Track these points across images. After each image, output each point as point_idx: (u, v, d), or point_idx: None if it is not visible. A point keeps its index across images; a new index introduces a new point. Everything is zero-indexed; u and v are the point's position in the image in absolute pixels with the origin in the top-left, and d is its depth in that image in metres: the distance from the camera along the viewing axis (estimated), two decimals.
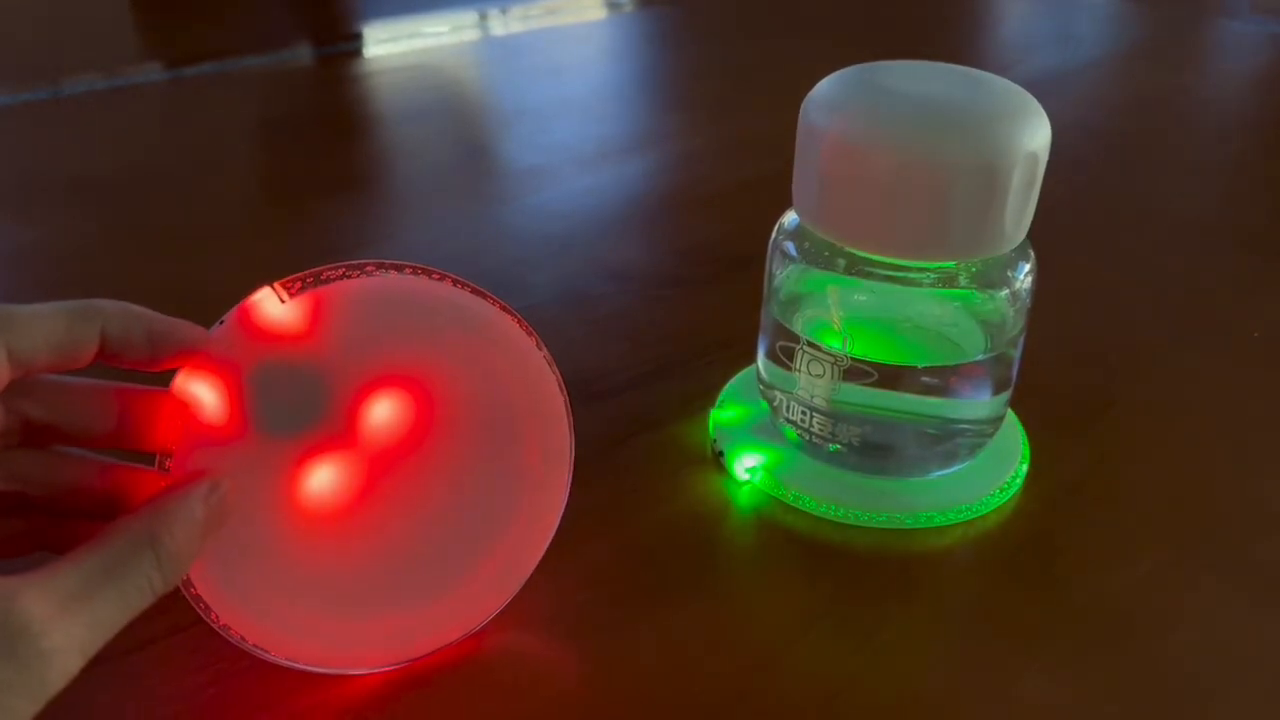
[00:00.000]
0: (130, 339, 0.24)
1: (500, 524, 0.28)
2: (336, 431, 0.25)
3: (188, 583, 0.24)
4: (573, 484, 0.33)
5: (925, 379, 0.32)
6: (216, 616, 0.25)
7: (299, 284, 0.25)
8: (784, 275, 0.34)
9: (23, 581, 0.20)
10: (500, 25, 0.89)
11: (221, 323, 0.25)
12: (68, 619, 0.20)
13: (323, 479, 0.25)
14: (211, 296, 0.46)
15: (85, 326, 0.24)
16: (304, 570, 0.26)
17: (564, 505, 0.29)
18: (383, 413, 0.26)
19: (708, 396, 0.39)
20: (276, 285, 0.25)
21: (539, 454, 0.28)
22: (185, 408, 0.24)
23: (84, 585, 0.21)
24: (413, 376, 0.26)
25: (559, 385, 0.28)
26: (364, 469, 0.26)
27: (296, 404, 0.25)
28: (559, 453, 0.29)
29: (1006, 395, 0.34)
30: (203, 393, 0.24)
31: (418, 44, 0.83)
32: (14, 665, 0.19)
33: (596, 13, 0.93)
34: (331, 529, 0.26)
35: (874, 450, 0.33)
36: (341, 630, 0.27)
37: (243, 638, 0.25)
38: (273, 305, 0.25)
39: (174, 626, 0.29)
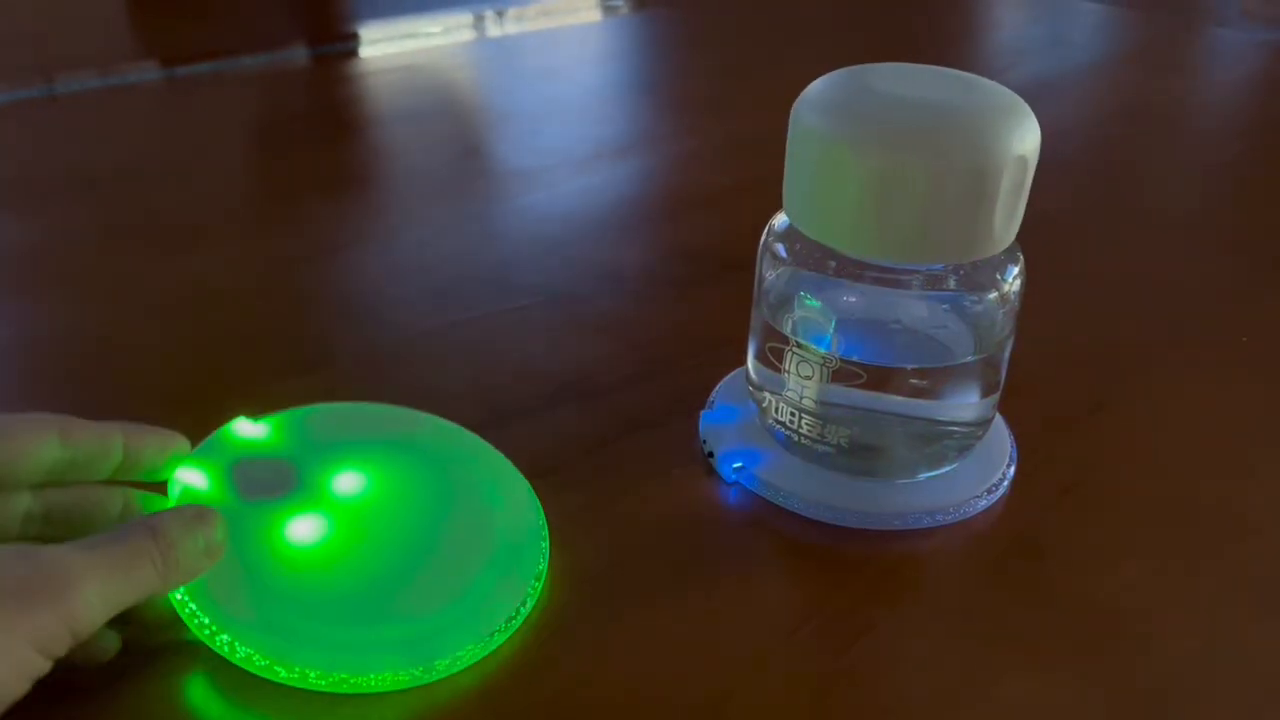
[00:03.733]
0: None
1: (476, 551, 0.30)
2: (308, 496, 0.30)
3: (193, 613, 0.27)
4: (562, 484, 0.34)
5: (914, 381, 0.32)
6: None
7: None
8: (774, 277, 0.34)
9: (62, 547, 0.25)
10: (495, 27, 0.90)
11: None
12: (94, 580, 0.24)
13: (301, 528, 0.29)
14: (205, 295, 0.46)
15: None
16: (293, 591, 0.28)
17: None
18: (348, 482, 0.31)
19: (698, 397, 0.39)
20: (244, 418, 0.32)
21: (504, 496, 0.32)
22: (180, 484, 0.29)
23: (101, 553, 0.25)
24: (369, 459, 0.32)
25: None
26: (336, 520, 0.30)
27: (271, 481, 0.30)
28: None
29: (995, 398, 0.34)
30: (194, 477, 0.30)
31: (412, 45, 0.83)
32: (57, 608, 0.23)
33: (591, 15, 0.93)
34: (315, 563, 0.29)
35: (862, 452, 0.34)
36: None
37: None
38: (245, 427, 0.32)
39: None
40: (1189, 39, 0.90)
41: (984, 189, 0.29)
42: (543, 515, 0.32)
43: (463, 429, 0.34)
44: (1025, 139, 0.29)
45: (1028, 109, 0.30)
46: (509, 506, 0.32)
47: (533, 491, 0.33)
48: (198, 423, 0.37)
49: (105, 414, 0.37)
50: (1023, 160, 0.29)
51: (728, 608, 0.31)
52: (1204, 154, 0.68)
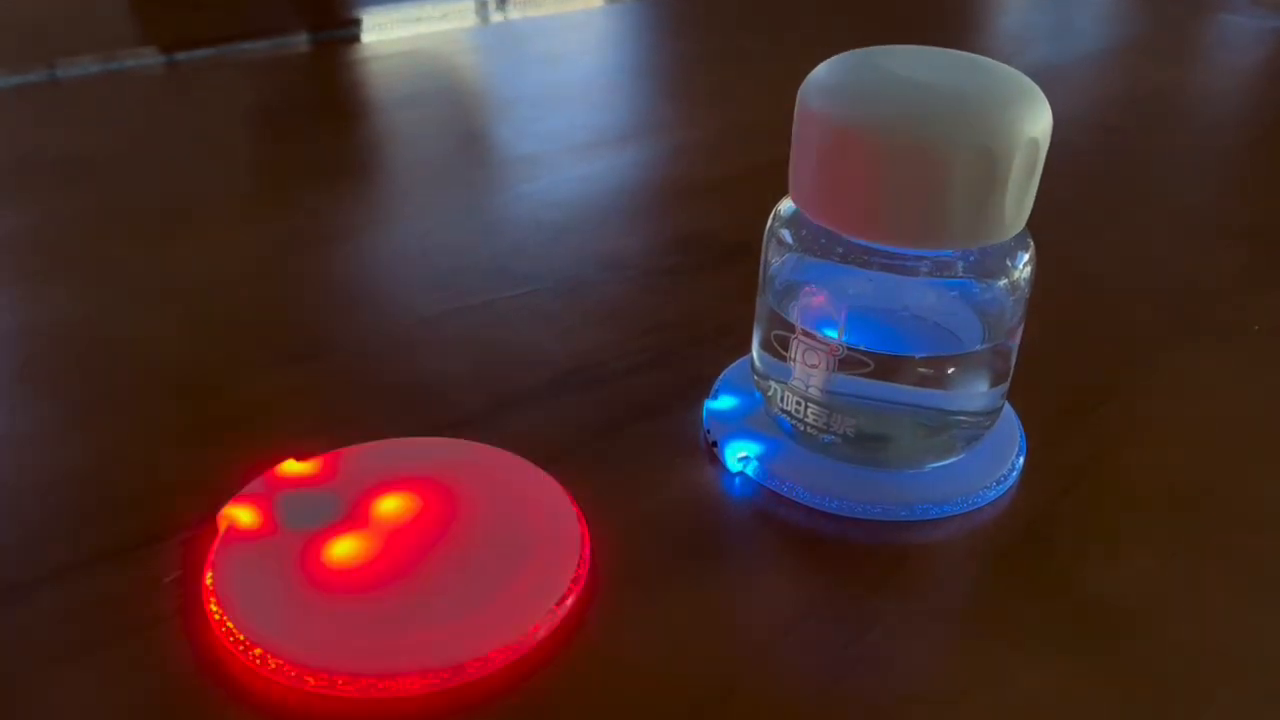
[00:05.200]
0: None
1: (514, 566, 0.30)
2: (347, 521, 0.30)
3: (229, 630, 0.28)
4: (563, 472, 0.33)
5: (922, 370, 0.32)
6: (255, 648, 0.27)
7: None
8: (780, 263, 0.33)
9: None
10: (498, 12, 0.89)
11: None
12: None
13: (342, 548, 0.30)
14: (205, 281, 0.46)
15: None
16: (326, 606, 0.28)
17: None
18: (390, 505, 0.31)
19: (702, 386, 0.38)
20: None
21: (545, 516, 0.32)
22: (228, 519, 0.31)
23: None
24: (415, 480, 0.32)
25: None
26: (378, 540, 0.30)
27: (315, 510, 0.31)
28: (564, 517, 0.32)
29: (1004, 388, 0.34)
30: (240, 512, 0.31)
31: (414, 30, 0.83)
32: None
33: (594, 0, 0.93)
34: (350, 580, 0.29)
35: (869, 441, 0.33)
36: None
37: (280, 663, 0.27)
38: (291, 465, 0.33)
39: (156, 615, 0.29)
40: (1197, 26, 0.90)
41: (995, 172, 0.28)
42: (583, 524, 0.32)
43: (503, 451, 0.34)
44: (1037, 121, 0.28)
45: (1039, 91, 0.29)
46: (548, 517, 0.32)
47: (574, 503, 0.32)
48: (199, 409, 0.37)
49: (106, 400, 0.36)
50: (1035, 143, 0.28)
51: (732, 598, 0.30)
52: (1213, 141, 0.67)
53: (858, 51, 0.31)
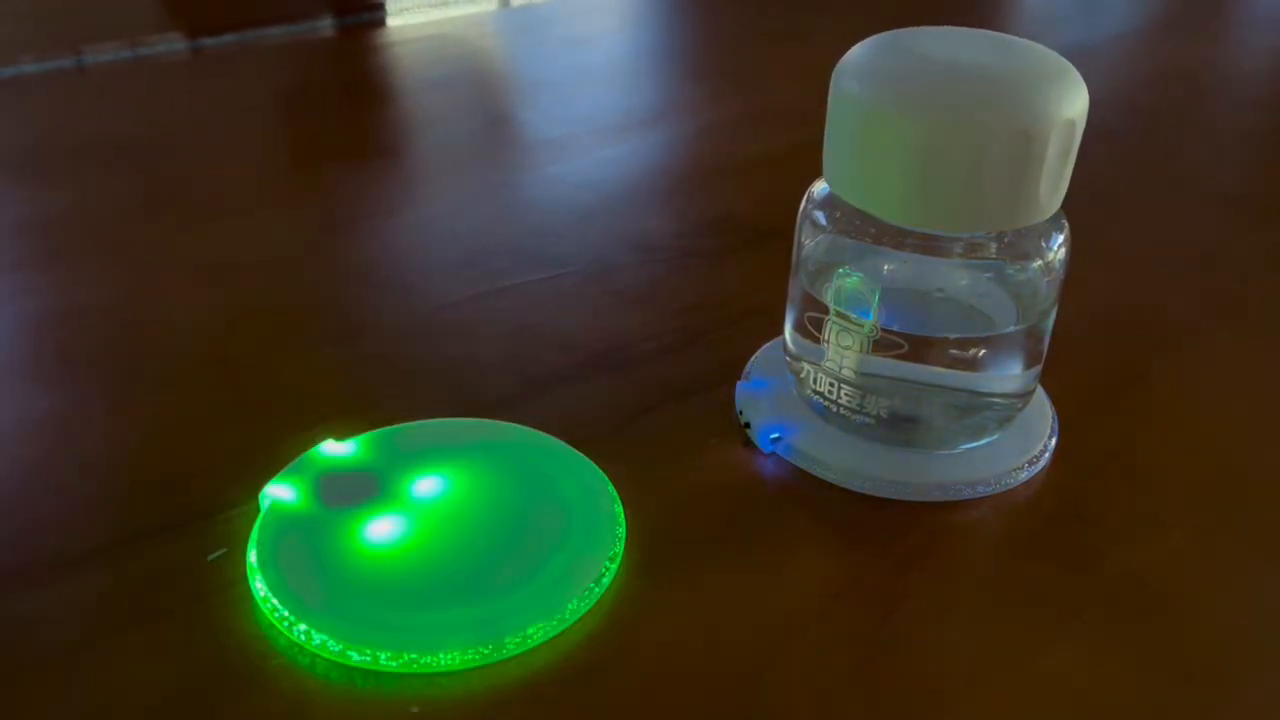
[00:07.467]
0: None
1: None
2: (387, 501, 0.31)
3: (274, 607, 0.28)
4: (596, 455, 0.34)
5: (955, 351, 0.32)
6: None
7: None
8: (813, 245, 0.33)
9: None
10: None
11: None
12: None
13: (379, 528, 0.30)
14: (235, 265, 0.46)
15: None
16: (367, 584, 0.29)
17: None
18: (426, 485, 0.32)
19: (733, 368, 0.38)
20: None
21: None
22: (270, 498, 0.31)
23: None
24: (453, 460, 0.33)
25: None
26: (413, 519, 0.31)
27: (354, 490, 0.32)
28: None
29: (1037, 369, 0.34)
30: (282, 491, 0.31)
31: (440, 14, 0.83)
32: None
33: None
34: (390, 558, 0.30)
35: (902, 423, 0.33)
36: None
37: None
38: (331, 445, 0.33)
39: (201, 591, 0.29)
40: (1226, 5, 0.89)
41: (1030, 154, 0.28)
42: (620, 504, 0.32)
43: (540, 433, 0.35)
44: (1074, 102, 0.28)
45: (1075, 71, 0.29)
46: (585, 497, 0.32)
47: (610, 483, 0.33)
48: (236, 390, 0.38)
49: (144, 381, 0.37)
50: (1070, 124, 0.28)
51: (765, 578, 0.30)
52: (1245, 121, 0.66)
53: (891, 33, 0.31)
